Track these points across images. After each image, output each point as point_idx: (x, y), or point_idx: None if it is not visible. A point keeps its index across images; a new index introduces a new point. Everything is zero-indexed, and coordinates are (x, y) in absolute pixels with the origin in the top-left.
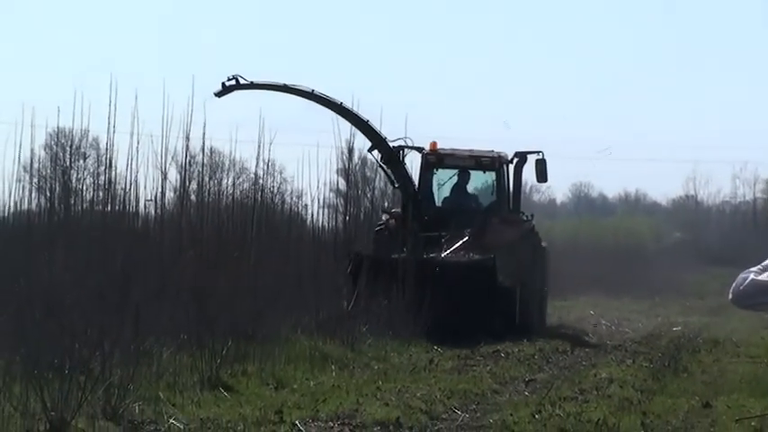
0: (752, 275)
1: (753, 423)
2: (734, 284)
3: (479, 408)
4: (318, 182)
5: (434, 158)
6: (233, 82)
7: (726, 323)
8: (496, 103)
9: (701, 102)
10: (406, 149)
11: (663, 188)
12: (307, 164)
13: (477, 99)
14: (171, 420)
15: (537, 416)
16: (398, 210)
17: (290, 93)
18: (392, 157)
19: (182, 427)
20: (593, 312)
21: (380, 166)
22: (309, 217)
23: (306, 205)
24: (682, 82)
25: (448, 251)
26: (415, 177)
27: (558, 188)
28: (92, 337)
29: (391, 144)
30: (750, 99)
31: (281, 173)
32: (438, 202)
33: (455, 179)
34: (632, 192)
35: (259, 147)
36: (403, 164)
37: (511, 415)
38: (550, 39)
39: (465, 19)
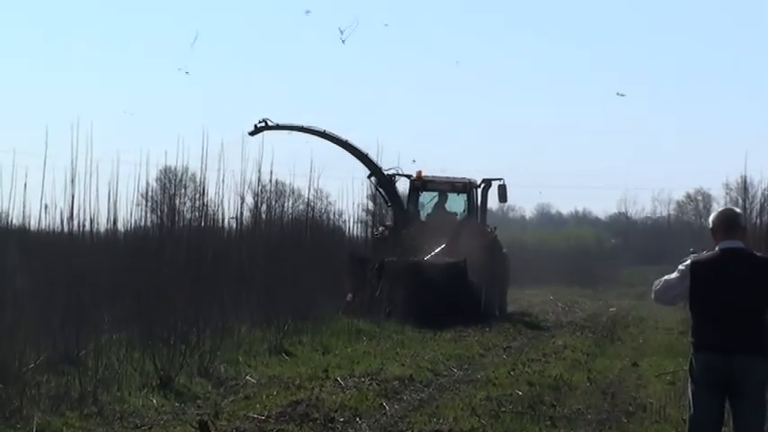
0: (664, 278)
1: (668, 377)
2: (653, 286)
3: (470, 367)
4: (354, 204)
5: (419, 183)
6: (263, 124)
7: (648, 306)
8: (469, 140)
9: (631, 142)
10: (397, 176)
11: (602, 206)
12: (345, 191)
13: (453, 137)
14: (247, 377)
15: (512, 372)
16: (391, 223)
17: (306, 132)
18: (386, 182)
19: (255, 381)
20: (552, 297)
21: (377, 189)
22: (347, 230)
23: (344, 221)
24: (616, 126)
25: (429, 255)
26: (405, 198)
27: (527, 207)
28: (189, 316)
29: (385, 172)
30: (665, 141)
31: (326, 197)
32: (422, 218)
33: (436, 199)
34: (581, 209)
35: (310, 178)
36: (395, 187)
37: (493, 372)
38: (517, 82)
39: (439, 69)
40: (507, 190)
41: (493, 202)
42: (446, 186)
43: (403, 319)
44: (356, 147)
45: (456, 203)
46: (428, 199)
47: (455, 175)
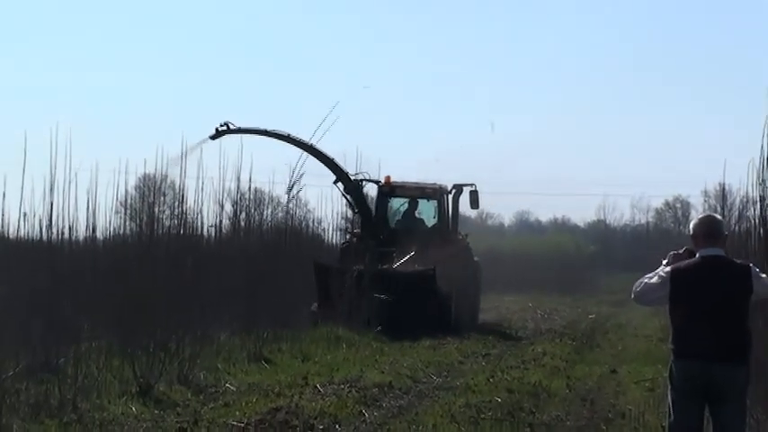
0: (645, 280)
1: (646, 384)
2: (633, 287)
3: (449, 374)
4: (333, 211)
5: (388, 189)
6: (224, 127)
7: (627, 312)
8: (439, 144)
9: (608, 150)
10: (364, 181)
11: (581, 214)
12: (324, 199)
13: (424, 141)
14: (227, 384)
15: (491, 379)
16: (359, 230)
17: (270, 136)
18: (353, 188)
19: (234, 389)
20: (530, 305)
21: (343, 195)
22: (326, 238)
23: (324, 229)
24: (594, 133)
25: (398, 263)
26: (373, 204)
27: (506, 215)
28: (169, 324)
29: (352, 177)
30: (644, 149)
31: (306, 205)
32: (392, 224)
33: (405, 206)
34: (560, 217)
35: (289, 187)
36: (362, 193)
37: (472, 379)
38: (495, 86)
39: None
40: (479, 196)
41: (466, 208)
42: (416, 192)
43: (372, 328)
44: (321, 151)
45: (426, 210)
46: (397, 205)
47: (425, 181)
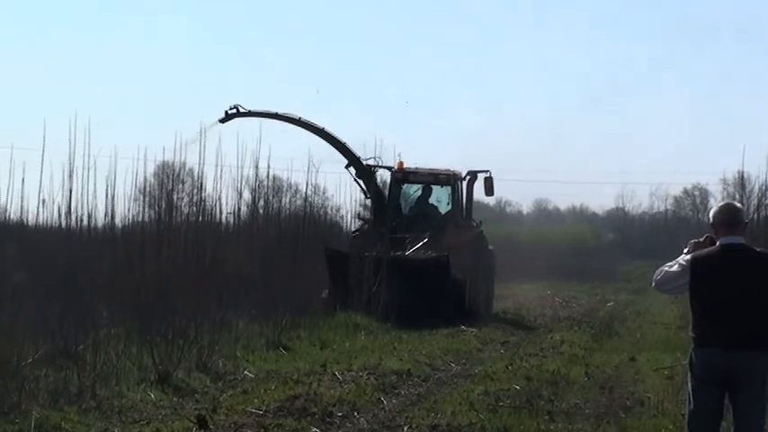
0: (665, 268)
1: (665, 371)
2: (654, 275)
3: (468, 362)
4: (351, 198)
5: (401, 175)
6: (234, 110)
7: (645, 300)
8: (456, 129)
9: (629, 138)
10: (377, 167)
11: (600, 202)
12: (343, 186)
13: (438, 125)
14: (245, 372)
15: (509, 367)
16: (371, 216)
17: (281, 119)
18: (365, 172)
19: (253, 376)
20: (549, 292)
21: (355, 180)
22: (345, 225)
23: (342, 216)
24: (615, 122)
25: (411, 250)
26: (386, 190)
27: (524, 203)
28: (188, 311)
29: (364, 162)
30: (663, 137)
31: (324, 192)
32: (405, 211)
33: (419, 192)
34: (578, 205)
35: (308, 173)
36: (374, 178)
37: (490, 367)
38: (512, 77)
39: (432, 55)
40: (494, 183)
41: (482, 195)
42: (429, 178)
43: (385, 315)
44: (333, 135)
45: (440, 196)
46: (410, 192)
47: (439, 166)
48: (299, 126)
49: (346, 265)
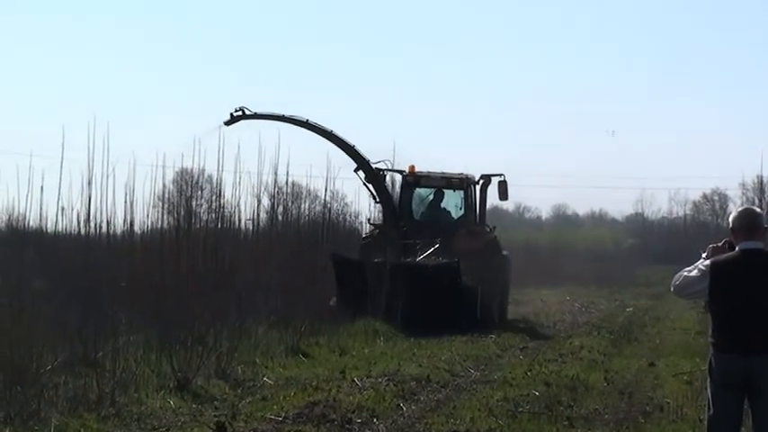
0: (684, 273)
1: (685, 377)
2: (673, 280)
3: (487, 367)
4: (369, 205)
5: (412, 179)
6: (239, 113)
7: (665, 305)
8: (468, 134)
9: (647, 142)
10: (387, 171)
11: (619, 207)
12: (362, 192)
13: (451, 130)
14: (264, 378)
15: (528, 373)
16: (381, 222)
17: (288, 122)
18: (374, 176)
19: (272, 382)
20: (568, 298)
21: (364, 184)
22: (364, 231)
23: (361, 222)
24: (632, 130)
25: (421, 256)
26: (397, 194)
27: (543, 208)
28: (207, 318)
29: (374, 166)
30: (680, 144)
31: (342, 199)
32: (416, 216)
33: (431, 196)
34: (597, 210)
35: (327, 180)
36: (383, 182)
37: (510, 372)
38: (531, 82)
39: (444, 59)
40: (508, 187)
41: (498, 200)
42: (441, 182)
43: (394, 322)
44: (341, 138)
45: (452, 201)
46: (424, 196)
47: (451, 171)
48: (307, 128)
49: (354, 272)
